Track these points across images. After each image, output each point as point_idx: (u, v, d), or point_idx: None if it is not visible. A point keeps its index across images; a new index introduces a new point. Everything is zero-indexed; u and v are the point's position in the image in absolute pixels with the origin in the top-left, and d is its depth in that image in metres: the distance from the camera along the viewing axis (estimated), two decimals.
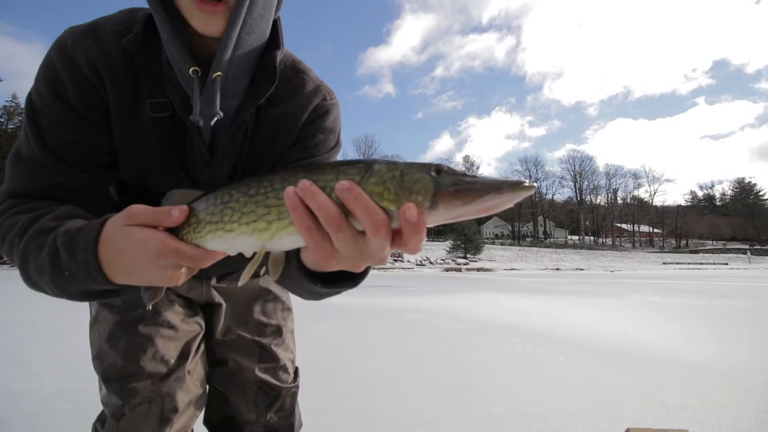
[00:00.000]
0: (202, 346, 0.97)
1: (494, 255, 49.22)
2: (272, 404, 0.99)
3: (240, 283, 0.50)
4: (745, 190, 79.23)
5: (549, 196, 76.85)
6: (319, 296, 0.64)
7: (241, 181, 0.51)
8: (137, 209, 0.50)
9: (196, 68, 0.65)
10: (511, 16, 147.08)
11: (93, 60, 0.66)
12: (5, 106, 37.29)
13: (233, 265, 0.81)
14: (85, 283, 0.53)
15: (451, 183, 0.45)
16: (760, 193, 76.55)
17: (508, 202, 0.43)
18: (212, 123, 0.68)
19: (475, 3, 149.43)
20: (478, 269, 33.65)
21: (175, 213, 0.50)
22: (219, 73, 0.65)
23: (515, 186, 0.43)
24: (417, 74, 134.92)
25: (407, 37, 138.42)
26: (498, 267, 36.81)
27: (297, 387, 1.05)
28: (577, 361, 3.06)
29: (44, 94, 0.66)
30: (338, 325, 4.59)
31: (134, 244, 0.49)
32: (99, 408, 0.88)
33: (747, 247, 57.06)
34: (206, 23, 0.63)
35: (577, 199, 74.77)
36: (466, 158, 79.82)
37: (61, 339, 3.97)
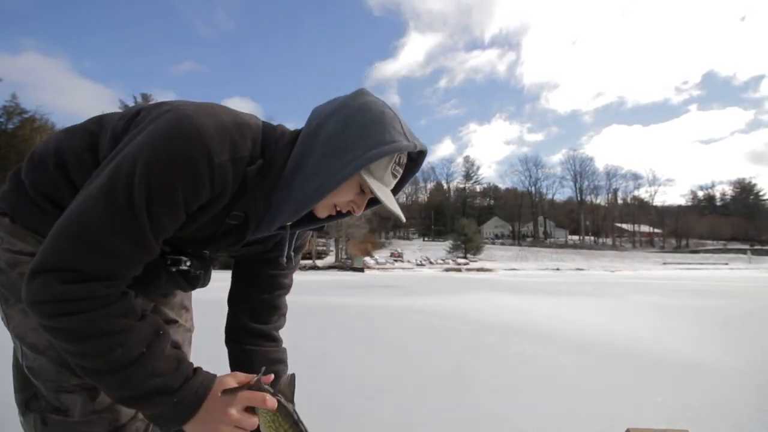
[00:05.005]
0: None
1: (494, 255, 49.19)
2: None
3: None
4: (745, 190, 79.15)
5: (549, 196, 76.84)
6: None
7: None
8: (245, 397, 0.66)
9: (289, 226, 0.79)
10: (511, 34, 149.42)
11: (226, 182, 0.70)
12: (5, 106, 37.25)
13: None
14: (163, 411, 0.66)
15: None
16: (760, 194, 76.49)
17: None
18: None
19: (477, 23, 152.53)
20: (478, 269, 33.64)
21: (272, 404, 0.66)
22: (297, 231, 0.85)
23: None
24: (421, 86, 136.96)
25: (413, 53, 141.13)
26: (498, 267, 36.78)
27: None
28: (577, 361, 3.06)
29: (174, 191, 0.65)
30: (338, 326, 4.60)
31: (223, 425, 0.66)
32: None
33: (747, 247, 56.99)
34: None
35: (577, 199, 74.73)
36: (467, 158, 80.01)
37: None
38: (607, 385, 2.45)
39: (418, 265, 38.57)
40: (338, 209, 0.77)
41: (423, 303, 6.93)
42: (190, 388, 0.66)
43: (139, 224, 0.63)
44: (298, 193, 0.72)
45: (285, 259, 0.88)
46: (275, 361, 0.97)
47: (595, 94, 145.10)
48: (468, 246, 45.93)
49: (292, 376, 0.75)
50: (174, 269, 0.83)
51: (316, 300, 6.85)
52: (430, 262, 40.60)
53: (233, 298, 1.00)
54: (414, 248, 51.02)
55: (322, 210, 0.77)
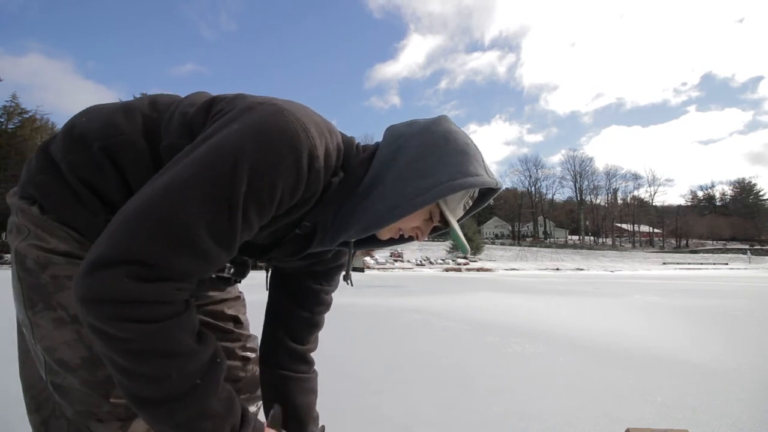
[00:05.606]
0: None
1: (494, 255, 49.19)
2: None
3: None
4: (745, 190, 79.10)
5: (549, 196, 76.78)
6: None
7: None
8: None
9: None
10: (510, 36, 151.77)
11: (317, 189, 0.66)
12: (5, 106, 37.29)
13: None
14: None
15: None
16: (760, 193, 76.45)
17: None
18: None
19: (477, 25, 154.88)
20: (478, 269, 33.61)
21: None
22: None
23: None
24: (422, 88, 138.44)
25: (413, 54, 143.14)
26: (498, 267, 36.75)
27: None
28: (577, 361, 3.06)
29: (275, 192, 0.59)
30: (338, 325, 4.59)
31: None
32: None
33: (747, 247, 56.99)
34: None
35: (577, 199, 74.66)
36: None
37: None
38: (607, 385, 2.45)
39: (418, 265, 38.51)
40: (401, 233, 0.74)
41: (423, 303, 6.92)
42: None
43: (232, 224, 0.56)
44: (369, 212, 0.68)
45: (348, 276, 0.88)
46: (309, 391, 0.97)
47: (594, 96, 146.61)
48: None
49: (281, 409, 0.79)
50: (215, 275, 0.76)
51: None
52: (430, 262, 40.57)
53: (272, 314, 0.96)
54: (414, 248, 50.93)
55: (386, 232, 0.73)
